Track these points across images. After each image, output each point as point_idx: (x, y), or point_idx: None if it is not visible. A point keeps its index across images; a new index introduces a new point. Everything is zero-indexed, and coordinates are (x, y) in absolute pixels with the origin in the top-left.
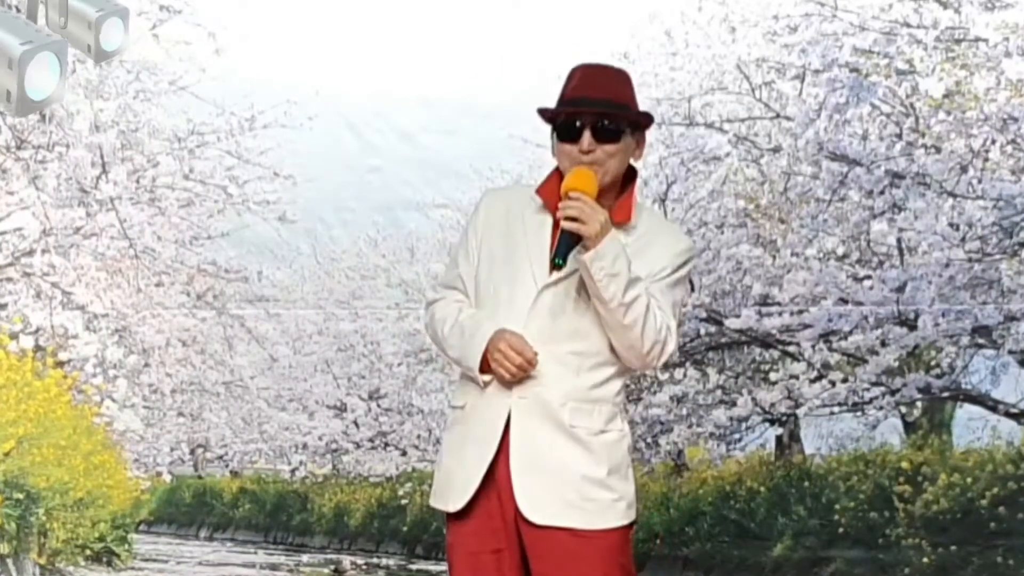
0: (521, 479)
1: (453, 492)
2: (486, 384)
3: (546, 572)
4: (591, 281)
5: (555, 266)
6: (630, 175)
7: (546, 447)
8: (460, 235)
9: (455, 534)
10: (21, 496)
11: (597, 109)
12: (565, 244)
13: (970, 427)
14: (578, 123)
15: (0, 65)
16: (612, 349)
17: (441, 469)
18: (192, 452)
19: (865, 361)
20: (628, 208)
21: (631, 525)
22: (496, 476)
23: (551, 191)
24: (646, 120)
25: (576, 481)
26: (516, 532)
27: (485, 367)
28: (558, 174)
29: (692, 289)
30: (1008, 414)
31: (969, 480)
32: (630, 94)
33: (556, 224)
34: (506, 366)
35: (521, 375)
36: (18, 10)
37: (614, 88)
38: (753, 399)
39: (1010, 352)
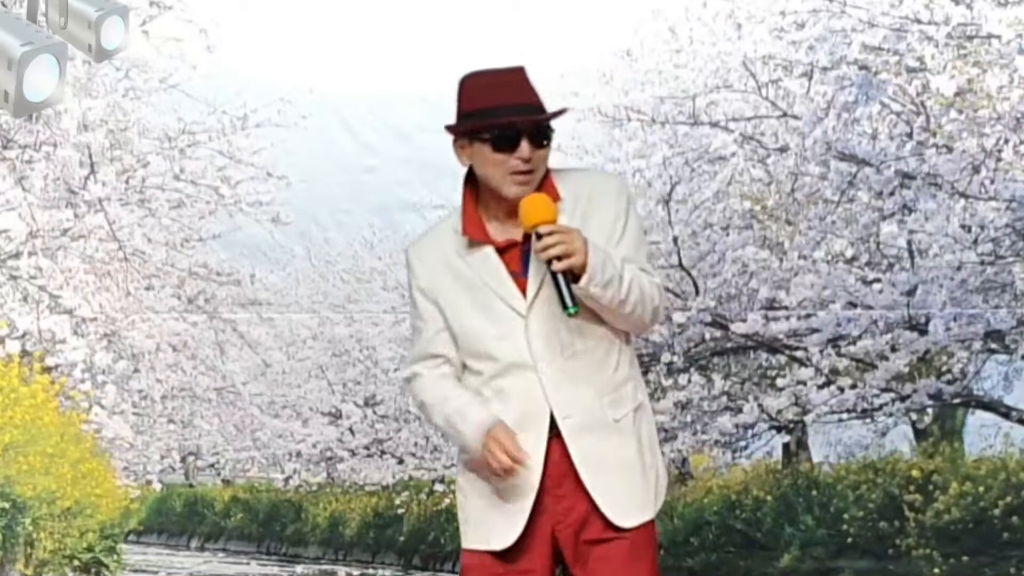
0: (598, 488)
1: (496, 531)
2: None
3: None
4: (589, 300)
5: (571, 315)
6: None
7: (605, 450)
8: (411, 306)
9: (477, 557)
10: (7, 505)
11: (537, 117)
12: (565, 286)
13: (982, 434)
14: (509, 132)
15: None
16: (614, 329)
17: (472, 508)
18: (183, 460)
19: (875, 366)
20: (553, 189)
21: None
22: (543, 499)
23: (474, 223)
24: (561, 115)
25: (640, 474)
26: (550, 550)
27: None
28: (471, 202)
29: (697, 292)
30: (1021, 421)
31: (981, 489)
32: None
33: (499, 250)
34: (499, 460)
35: (512, 473)
36: (4, 6)
37: (533, 91)
38: (759, 406)
39: (1023, 357)
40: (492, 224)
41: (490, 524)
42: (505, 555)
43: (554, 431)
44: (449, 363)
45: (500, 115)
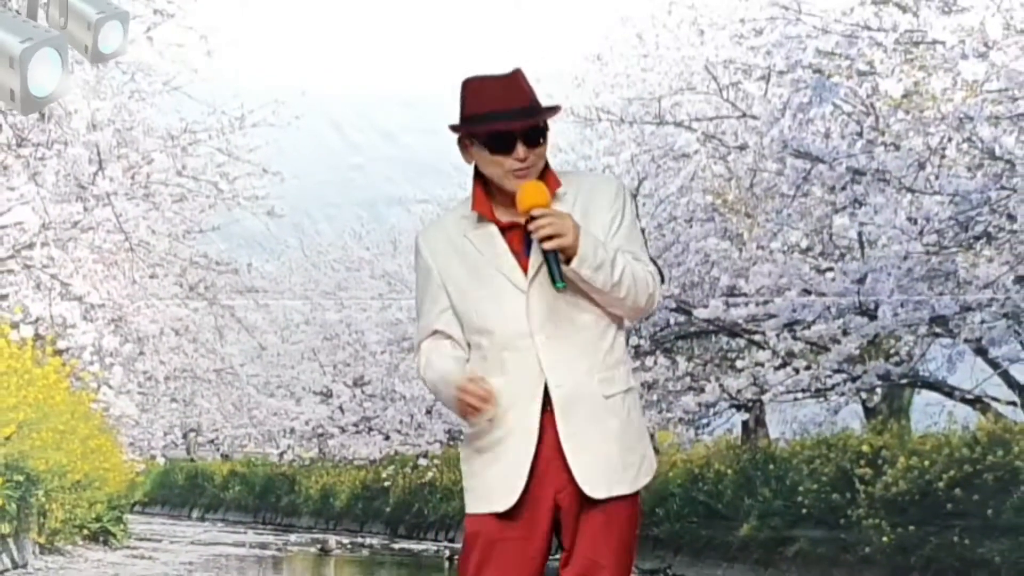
0: (576, 457)
1: (497, 494)
2: (490, 420)
3: (582, 556)
4: (583, 283)
5: (559, 288)
6: None
7: (589, 422)
8: (416, 289)
9: (480, 523)
10: (21, 478)
11: (529, 121)
12: (555, 263)
13: (927, 412)
14: (504, 136)
15: (1, 64)
16: (607, 312)
17: (475, 476)
18: (185, 436)
19: (827, 349)
20: (555, 182)
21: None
22: (543, 467)
23: (483, 204)
24: (555, 114)
25: (619, 451)
26: (550, 516)
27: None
28: (480, 186)
29: (662, 280)
30: (964, 400)
31: (927, 463)
32: (534, 93)
33: (503, 229)
34: (470, 401)
35: (486, 406)
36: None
37: (528, 92)
38: (720, 386)
39: (966, 341)
40: (498, 208)
41: (492, 487)
42: (507, 520)
43: (549, 403)
44: (450, 339)
45: (494, 120)
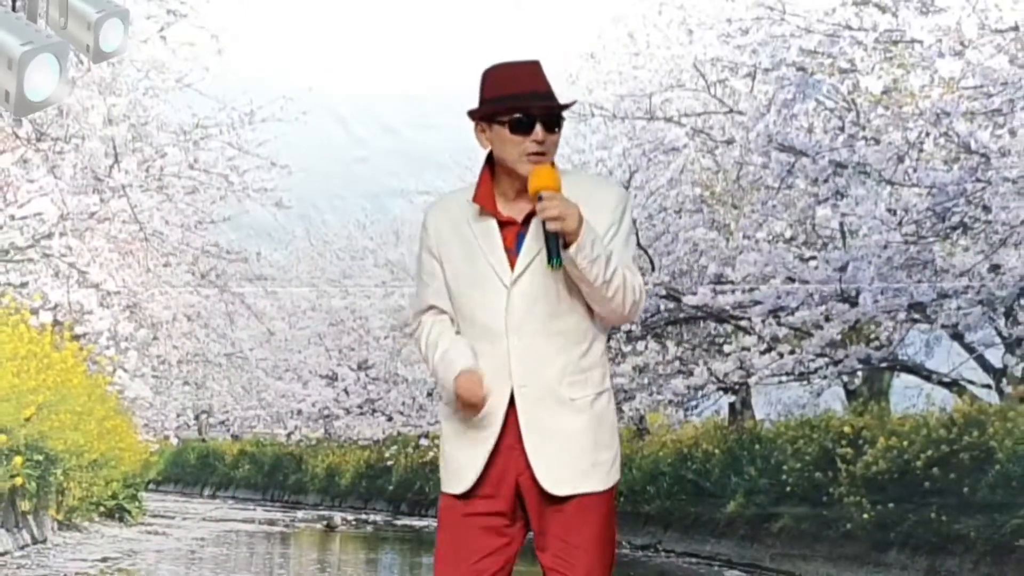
0: (537, 457)
1: (456, 476)
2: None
3: (555, 537)
4: (576, 270)
5: (554, 267)
6: None
7: (553, 423)
8: (417, 259)
9: (450, 500)
10: (41, 458)
11: (551, 103)
12: (555, 243)
13: (906, 395)
14: (525, 117)
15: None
16: (591, 316)
17: (444, 457)
18: (197, 418)
19: (811, 335)
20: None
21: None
22: (504, 454)
23: (486, 196)
24: (571, 106)
25: (585, 450)
26: (512, 496)
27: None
28: (487, 177)
29: (653, 268)
30: (941, 383)
31: (905, 443)
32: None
33: (501, 224)
34: (464, 402)
35: (473, 413)
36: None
37: (546, 82)
38: (708, 369)
39: (943, 326)
40: (501, 200)
41: (452, 469)
42: (473, 499)
43: (514, 400)
44: (448, 315)
45: (518, 102)
